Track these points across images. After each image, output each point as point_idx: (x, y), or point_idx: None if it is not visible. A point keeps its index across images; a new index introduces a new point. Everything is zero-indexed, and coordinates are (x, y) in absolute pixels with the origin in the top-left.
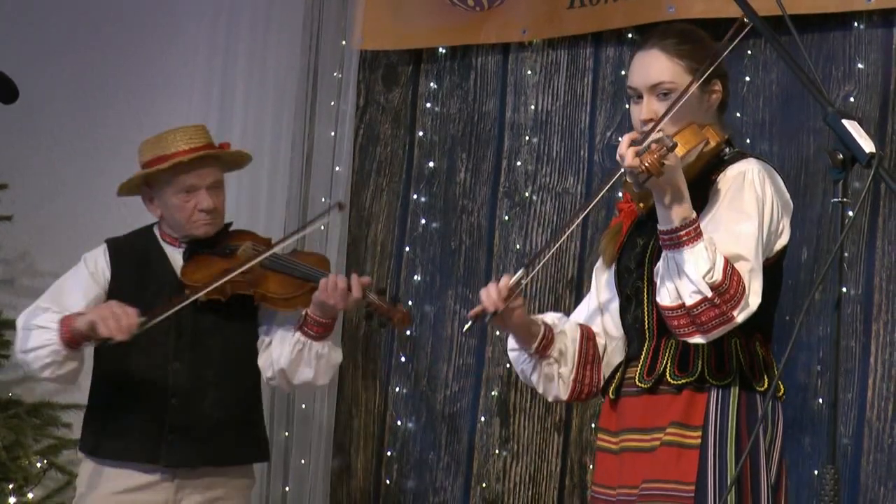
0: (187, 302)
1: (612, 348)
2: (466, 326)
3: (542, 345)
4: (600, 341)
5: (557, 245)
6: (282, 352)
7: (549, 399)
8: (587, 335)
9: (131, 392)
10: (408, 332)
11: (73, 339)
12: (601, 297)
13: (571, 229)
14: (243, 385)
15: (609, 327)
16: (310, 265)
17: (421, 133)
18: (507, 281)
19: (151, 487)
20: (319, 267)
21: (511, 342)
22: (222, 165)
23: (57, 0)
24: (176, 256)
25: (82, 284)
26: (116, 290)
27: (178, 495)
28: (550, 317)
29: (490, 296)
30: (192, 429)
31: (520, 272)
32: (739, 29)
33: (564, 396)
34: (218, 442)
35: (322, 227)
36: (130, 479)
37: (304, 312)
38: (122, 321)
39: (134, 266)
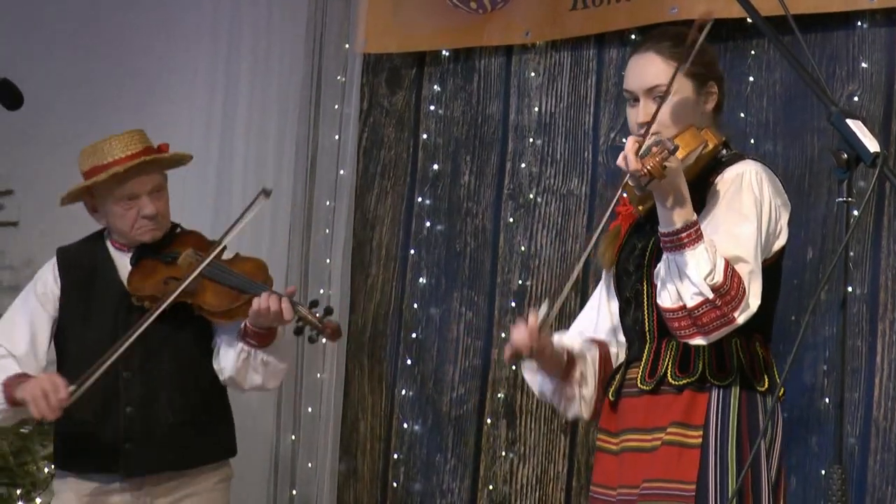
0: (118, 353)
1: (621, 355)
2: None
3: (566, 370)
4: (613, 353)
5: (577, 272)
6: (228, 360)
7: (569, 417)
8: (604, 355)
9: (86, 404)
10: (413, 335)
11: (15, 403)
12: (611, 306)
13: (589, 249)
14: (198, 387)
15: (619, 335)
16: (246, 274)
17: (425, 136)
18: (534, 320)
19: (118, 492)
20: (256, 275)
21: (529, 369)
22: (163, 168)
23: (61, 6)
24: (124, 262)
25: (29, 314)
26: (65, 306)
27: (146, 497)
28: (568, 339)
29: (521, 338)
30: (149, 436)
31: (544, 307)
32: (699, 31)
33: (586, 416)
34: (177, 446)
35: (327, 231)
36: (96, 485)
37: (243, 324)
38: (50, 400)
39: (82, 279)
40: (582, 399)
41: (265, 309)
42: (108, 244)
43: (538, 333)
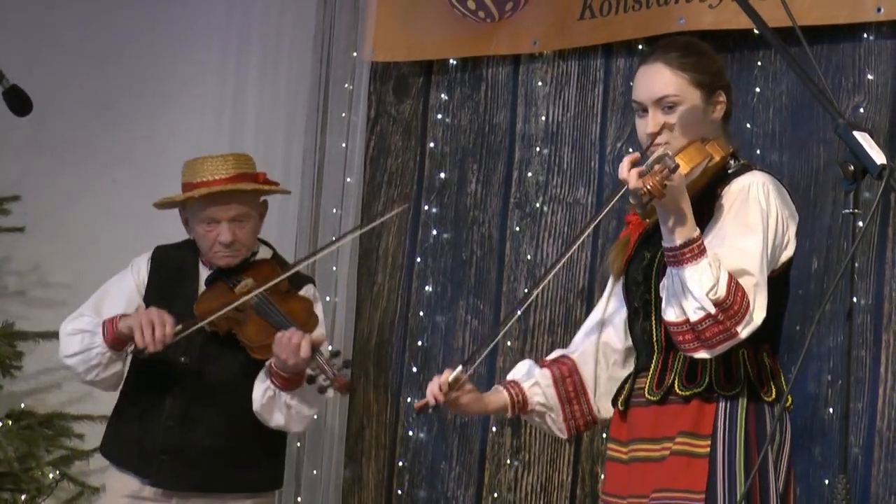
0: (200, 325)
1: (614, 361)
2: (413, 417)
3: (518, 408)
4: (586, 368)
5: (499, 336)
6: (257, 394)
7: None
8: (562, 374)
9: (138, 407)
10: (419, 343)
11: (117, 340)
12: (608, 309)
13: (529, 302)
14: (243, 417)
15: (612, 340)
16: (290, 313)
17: (432, 144)
18: (447, 376)
19: (151, 500)
20: (301, 315)
21: None
22: (252, 196)
23: (70, 13)
24: (205, 277)
25: (126, 294)
26: (147, 297)
27: None
28: (520, 370)
29: (432, 390)
30: (184, 454)
31: (458, 369)
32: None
33: (564, 436)
34: (210, 470)
35: (334, 239)
36: (135, 487)
37: (269, 362)
38: (156, 332)
39: (168, 278)
40: (553, 423)
41: (287, 339)
42: (199, 255)
43: (448, 388)
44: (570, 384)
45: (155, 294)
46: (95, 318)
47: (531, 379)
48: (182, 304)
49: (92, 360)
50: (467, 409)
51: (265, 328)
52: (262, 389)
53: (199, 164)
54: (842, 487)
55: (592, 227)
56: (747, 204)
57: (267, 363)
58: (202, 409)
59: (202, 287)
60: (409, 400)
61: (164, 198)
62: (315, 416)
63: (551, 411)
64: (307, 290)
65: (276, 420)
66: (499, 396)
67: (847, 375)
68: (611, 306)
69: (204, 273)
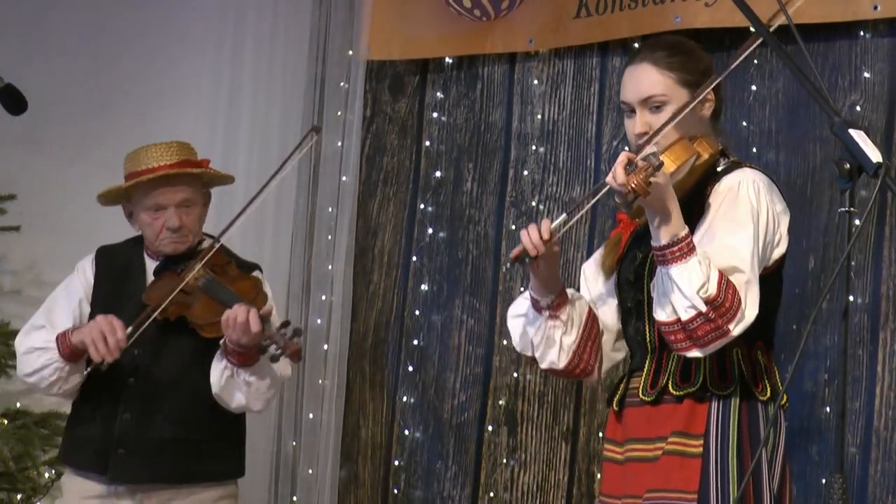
0: (161, 307)
1: (606, 339)
2: (506, 267)
3: (556, 302)
4: (599, 326)
5: (600, 195)
6: (214, 375)
7: (544, 365)
8: (593, 315)
9: (92, 404)
10: (415, 342)
11: (73, 353)
12: (593, 292)
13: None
14: (201, 405)
15: (608, 321)
16: (240, 292)
17: (428, 143)
18: (548, 224)
19: (114, 496)
20: (250, 293)
21: (517, 307)
22: (197, 183)
23: (65, 12)
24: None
25: (70, 297)
26: (95, 299)
27: None
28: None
29: (532, 238)
30: (142, 446)
31: (562, 217)
32: (751, 43)
33: (561, 365)
34: (170, 461)
35: (330, 238)
36: (95, 488)
37: (222, 340)
38: (109, 341)
39: (115, 276)
40: (561, 345)
41: (233, 319)
42: (144, 250)
43: (550, 238)
44: (594, 327)
45: (103, 295)
46: (49, 332)
47: (574, 297)
48: (131, 301)
49: (51, 376)
50: (553, 266)
51: (213, 306)
52: (219, 370)
53: (141, 152)
54: (838, 487)
55: (593, 202)
56: (737, 201)
57: (221, 342)
58: (158, 399)
59: (150, 280)
60: (404, 399)
61: (108, 188)
62: (275, 394)
63: (568, 335)
64: (255, 275)
65: (238, 400)
66: (559, 281)
67: (844, 374)
68: (598, 290)
69: (151, 266)
